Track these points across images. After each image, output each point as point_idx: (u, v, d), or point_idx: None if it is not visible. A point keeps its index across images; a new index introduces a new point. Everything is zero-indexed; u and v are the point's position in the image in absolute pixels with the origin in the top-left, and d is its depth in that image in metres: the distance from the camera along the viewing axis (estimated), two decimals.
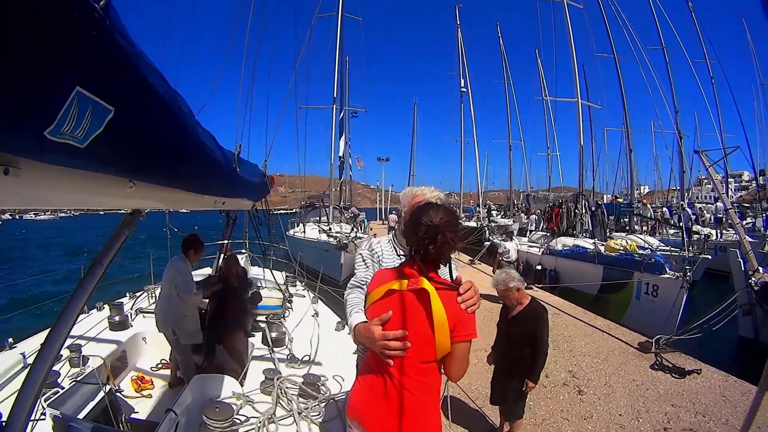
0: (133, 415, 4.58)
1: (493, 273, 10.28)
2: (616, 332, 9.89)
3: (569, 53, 20.98)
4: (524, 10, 25.84)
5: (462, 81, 38.51)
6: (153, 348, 5.91)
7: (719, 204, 24.43)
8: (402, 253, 2.91)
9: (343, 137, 27.00)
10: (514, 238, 13.46)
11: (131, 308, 6.53)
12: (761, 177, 45.40)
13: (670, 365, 7.83)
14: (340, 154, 26.71)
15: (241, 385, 4.02)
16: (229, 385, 3.87)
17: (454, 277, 2.33)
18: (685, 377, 7.49)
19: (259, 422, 3.35)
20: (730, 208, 12.60)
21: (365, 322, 2.34)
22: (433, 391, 2.21)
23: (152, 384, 5.39)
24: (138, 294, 7.26)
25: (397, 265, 2.53)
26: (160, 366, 5.87)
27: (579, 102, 20.81)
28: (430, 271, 2.21)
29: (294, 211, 33.80)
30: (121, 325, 5.84)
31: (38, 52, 0.91)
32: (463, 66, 38.83)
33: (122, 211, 2.29)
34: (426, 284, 2.14)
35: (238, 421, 3.34)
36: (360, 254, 3.02)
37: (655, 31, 29.59)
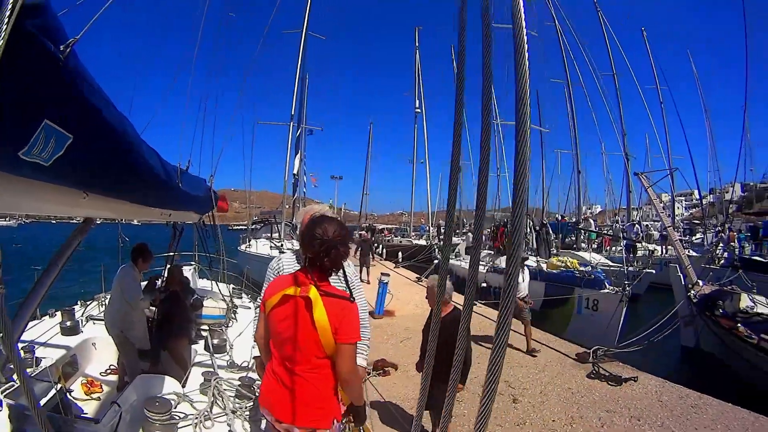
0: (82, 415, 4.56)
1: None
2: (555, 344, 9.83)
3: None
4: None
5: (417, 102, 38.88)
6: (102, 354, 5.98)
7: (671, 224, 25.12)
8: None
9: (298, 155, 26.45)
10: (525, 268, 10.30)
11: (82, 315, 6.58)
12: (710, 195, 47.57)
13: (607, 374, 7.78)
14: (295, 171, 26.17)
15: (183, 387, 4.24)
16: (170, 385, 4.11)
17: (350, 284, 2.74)
18: (621, 385, 7.45)
19: (197, 419, 3.59)
20: (669, 226, 13.02)
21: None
22: (328, 380, 2.51)
23: (101, 388, 5.40)
24: (89, 302, 7.26)
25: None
26: (108, 371, 5.87)
27: (527, 126, 20.68)
28: (323, 280, 2.51)
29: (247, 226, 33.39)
30: (72, 330, 5.92)
31: (16, 93, 1.30)
32: (419, 87, 39.24)
33: (75, 220, 2.66)
34: (312, 292, 2.43)
35: (177, 417, 3.56)
36: (269, 269, 3.37)
37: (608, 58, 30.64)
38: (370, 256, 19.70)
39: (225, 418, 3.69)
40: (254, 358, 3.45)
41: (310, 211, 3.27)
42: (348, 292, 2.56)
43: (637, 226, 28.08)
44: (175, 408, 3.67)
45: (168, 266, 6.96)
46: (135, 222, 7.09)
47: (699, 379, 8.81)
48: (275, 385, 2.56)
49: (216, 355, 5.27)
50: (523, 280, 9.63)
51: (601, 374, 7.79)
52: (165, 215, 4.11)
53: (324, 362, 2.47)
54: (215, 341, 5.56)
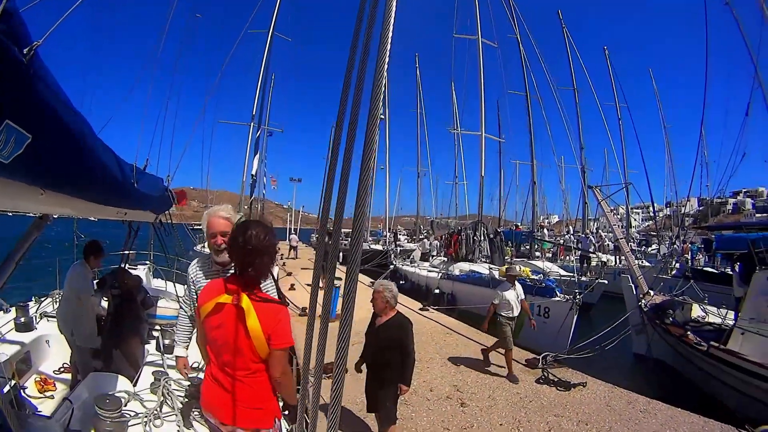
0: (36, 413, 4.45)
1: (485, 330, 8.88)
2: None
3: (481, 88, 21.41)
4: (446, 44, 26.15)
5: (381, 108, 38.76)
6: (56, 351, 5.88)
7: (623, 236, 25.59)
8: (216, 269, 3.29)
9: (257, 155, 25.99)
10: (516, 284, 8.78)
11: (36, 311, 6.49)
12: (667, 208, 49.01)
13: (556, 379, 7.67)
14: (253, 172, 25.74)
15: (134, 386, 4.23)
16: (121, 384, 4.10)
17: (280, 289, 2.84)
18: (570, 390, 7.34)
19: (146, 417, 3.58)
20: (621, 238, 13.12)
21: (182, 357, 3.54)
22: (267, 382, 2.55)
23: (55, 386, 5.29)
24: (43, 299, 7.11)
25: (220, 277, 2.97)
26: (62, 369, 5.73)
27: (483, 135, 21.13)
28: (253, 286, 2.52)
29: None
30: (26, 326, 5.87)
31: None
32: (384, 94, 39.05)
33: (32, 214, 2.71)
34: (244, 301, 2.44)
35: (128, 416, 3.55)
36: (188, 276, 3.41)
37: (570, 74, 31.21)
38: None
39: (174, 418, 3.70)
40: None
41: (214, 215, 3.24)
42: (278, 296, 2.67)
43: (590, 236, 28.37)
44: (126, 406, 3.68)
45: (120, 265, 6.99)
46: (92, 218, 6.78)
47: (650, 386, 8.89)
48: (216, 389, 2.58)
49: (167, 355, 5.19)
50: (518, 296, 8.48)
51: (550, 379, 7.67)
52: (121, 214, 4.12)
53: (261, 366, 2.51)
54: (167, 341, 5.46)
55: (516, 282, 8.74)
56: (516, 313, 8.43)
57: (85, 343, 5.35)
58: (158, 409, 3.75)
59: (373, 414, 5.18)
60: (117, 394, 3.75)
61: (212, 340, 2.57)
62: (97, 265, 5.71)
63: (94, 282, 5.83)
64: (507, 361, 8.10)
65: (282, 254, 32.22)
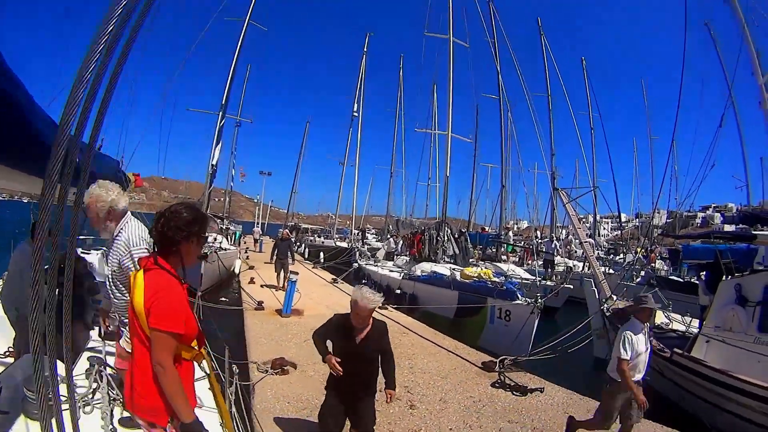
0: None
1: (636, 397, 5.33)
2: (463, 352, 9.28)
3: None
4: (429, 45, 25.76)
5: (355, 105, 38.72)
6: (1, 335, 5.62)
7: (590, 240, 25.63)
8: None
9: (219, 145, 25.20)
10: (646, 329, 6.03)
11: None
12: (636, 219, 49.68)
13: (512, 383, 7.30)
14: (213, 162, 24.79)
15: (71, 371, 3.57)
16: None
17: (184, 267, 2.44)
18: (526, 395, 6.99)
19: (77, 403, 3.36)
20: (585, 241, 12.95)
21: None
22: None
23: None
24: None
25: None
26: (6, 354, 5.50)
27: (449, 135, 21.06)
28: (155, 259, 2.32)
29: None
30: None
31: None
32: (361, 92, 39.20)
33: None
34: (139, 272, 2.31)
35: (60, 399, 2.96)
36: None
37: (543, 79, 31.24)
38: (288, 258, 16.44)
39: (103, 406, 3.55)
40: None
41: (93, 193, 3.36)
42: (182, 274, 2.38)
43: (554, 242, 28.25)
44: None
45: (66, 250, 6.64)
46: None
47: None
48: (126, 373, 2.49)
49: (109, 343, 4.96)
50: (647, 341, 5.20)
51: (506, 384, 7.29)
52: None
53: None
54: (110, 328, 5.08)
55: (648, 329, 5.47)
56: (644, 372, 5.20)
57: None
58: (90, 395, 3.70)
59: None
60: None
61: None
62: None
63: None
64: None
65: (247, 247, 32.91)
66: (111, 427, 3.44)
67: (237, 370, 5.04)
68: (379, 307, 13.39)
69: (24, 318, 4.72)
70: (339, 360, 4.25)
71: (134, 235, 3.38)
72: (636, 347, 4.90)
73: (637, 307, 5.25)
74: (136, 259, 3.19)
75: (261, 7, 27.05)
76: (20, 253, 5.29)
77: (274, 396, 6.31)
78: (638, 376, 5.00)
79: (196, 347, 2.53)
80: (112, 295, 3.53)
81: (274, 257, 16.79)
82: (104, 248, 9.75)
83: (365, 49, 41.15)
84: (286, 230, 19.50)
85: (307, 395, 6.35)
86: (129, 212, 3.63)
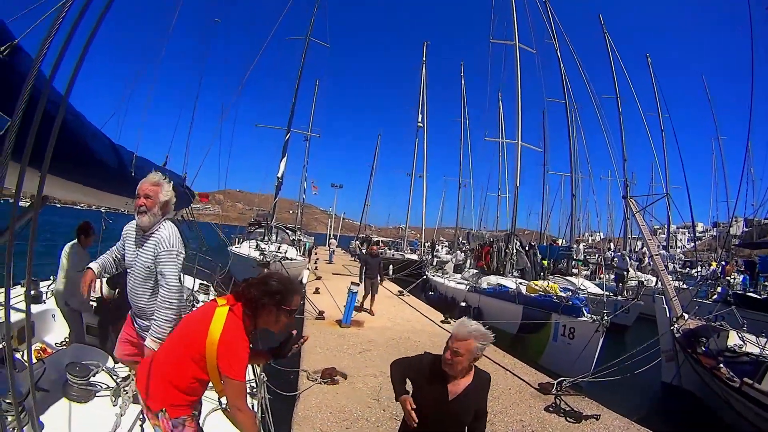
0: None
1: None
2: (521, 372, 9.02)
3: (524, 96, 20.83)
4: (492, 53, 25.35)
5: (420, 116, 38.69)
6: (60, 326, 6.21)
7: (663, 252, 24.20)
8: (140, 232, 3.49)
9: (285, 158, 26.35)
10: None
11: (48, 287, 6.85)
12: (714, 228, 46.55)
13: (568, 408, 7.01)
14: (279, 174, 25.97)
15: (115, 363, 4.35)
16: (99, 356, 4.43)
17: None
18: (580, 422, 6.69)
19: (112, 391, 3.83)
20: (656, 255, 12.24)
21: (90, 269, 3.80)
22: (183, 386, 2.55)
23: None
24: (53, 277, 7.26)
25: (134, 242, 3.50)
26: (64, 343, 6.01)
27: (519, 143, 20.43)
28: (242, 306, 2.58)
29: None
30: (36, 299, 6.23)
31: None
32: (423, 101, 39.18)
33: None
34: (221, 301, 2.60)
35: (99, 387, 3.87)
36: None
37: (609, 80, 30.05)
38: (378, 278, 14.06)
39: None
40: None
41: (144, 180, 3.47)
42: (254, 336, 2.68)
43: (624, 255, 26.87)
44: (94, 377, 3.96)
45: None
46: (122, 210, 7.00)
47: (675, 421, 8.20)
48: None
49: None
50: None
51: (561, 408, 7.03)
52: (129, 205, 4.32)
53: (194, 371, 2.50)
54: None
55: None
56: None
57: (79, 307, 5.81)
58: (127, 387, 3.86)
59: None
60: (91, 366, 4.03)
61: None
62: (87, 243, 6.11)
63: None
64: None
65: (317, 258, 34.35)
66: (141, 416, 3.50)
67: (265, 378, 5.15)
68: (442, 320, 13.52)
69: (71, 311, 5.82)
70: (415, 408, 2.91)
71: (174, 236, 3.43)
72: None
73: None
74: (174, 255, 3.35)
75: (321, 26, 28.01)
76: (65, 250, 5.93)
77: (317, 405, 6.38)
78: None
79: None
80: (133, 288, 3.51)
81: (363, 277, 13.75)
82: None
83: (424, 59, 41.52)
84: (374, 246, 18.46)
85: (351, 407, 6.40)
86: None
